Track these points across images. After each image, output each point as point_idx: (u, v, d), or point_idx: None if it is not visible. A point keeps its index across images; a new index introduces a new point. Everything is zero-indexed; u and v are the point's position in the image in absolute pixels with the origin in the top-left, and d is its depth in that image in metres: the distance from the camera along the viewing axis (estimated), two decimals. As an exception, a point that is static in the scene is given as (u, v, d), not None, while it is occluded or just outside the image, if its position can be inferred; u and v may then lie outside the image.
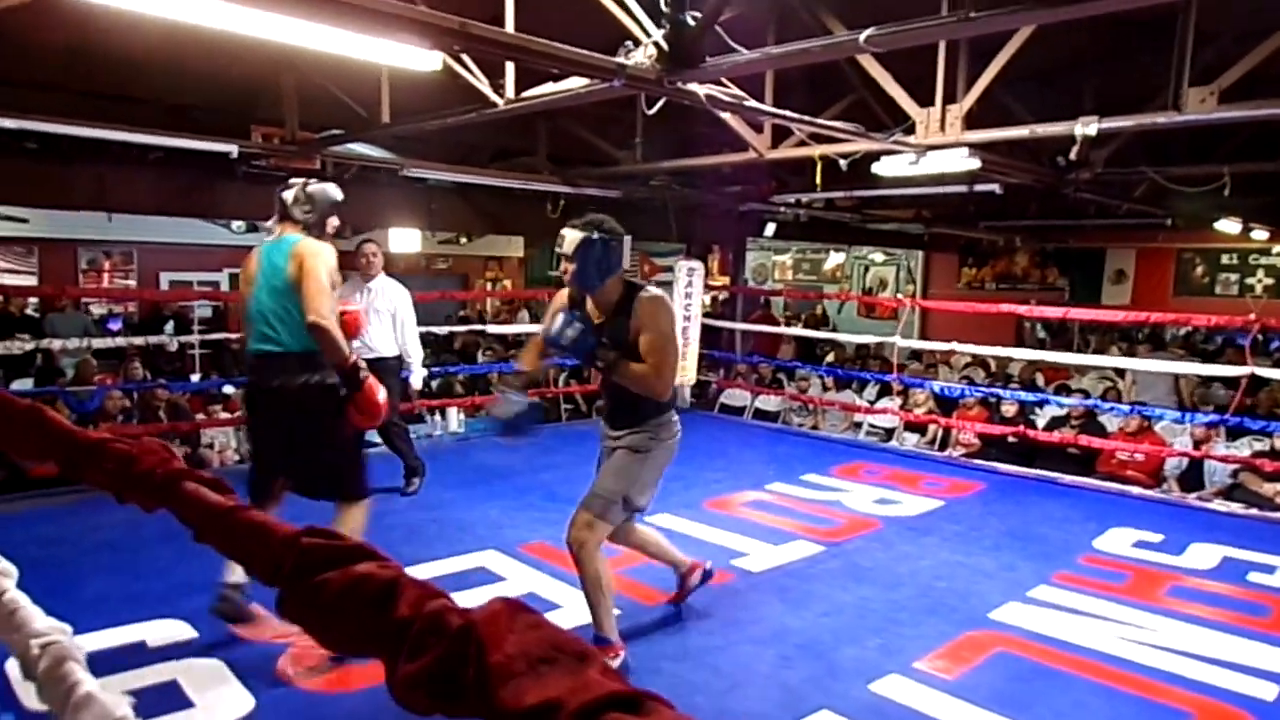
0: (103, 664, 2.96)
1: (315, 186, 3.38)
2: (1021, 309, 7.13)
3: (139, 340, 7.21)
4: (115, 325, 10.63)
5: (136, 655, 3.15)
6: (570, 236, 3.07)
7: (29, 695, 1.26)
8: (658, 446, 3.31)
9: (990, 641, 3.52)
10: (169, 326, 9.51)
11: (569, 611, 3.71)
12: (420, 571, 4.03)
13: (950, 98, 5.11)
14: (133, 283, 11.59)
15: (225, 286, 11.97)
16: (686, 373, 8.35)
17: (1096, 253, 12.81)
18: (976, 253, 14.12)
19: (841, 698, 3.02)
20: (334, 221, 3.44)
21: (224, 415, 7.02)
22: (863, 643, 3.49)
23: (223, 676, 3.02)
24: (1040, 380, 9.35)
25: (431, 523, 4.92)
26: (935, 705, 2.99)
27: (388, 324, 5.42)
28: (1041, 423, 7.37)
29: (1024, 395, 7.13)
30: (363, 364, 3.23)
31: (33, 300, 9.98)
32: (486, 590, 3.91)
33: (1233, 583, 4.25)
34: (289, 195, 3.33)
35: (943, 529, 5.05)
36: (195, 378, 8.44)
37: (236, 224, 11.03)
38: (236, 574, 3.15)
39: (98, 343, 7.39)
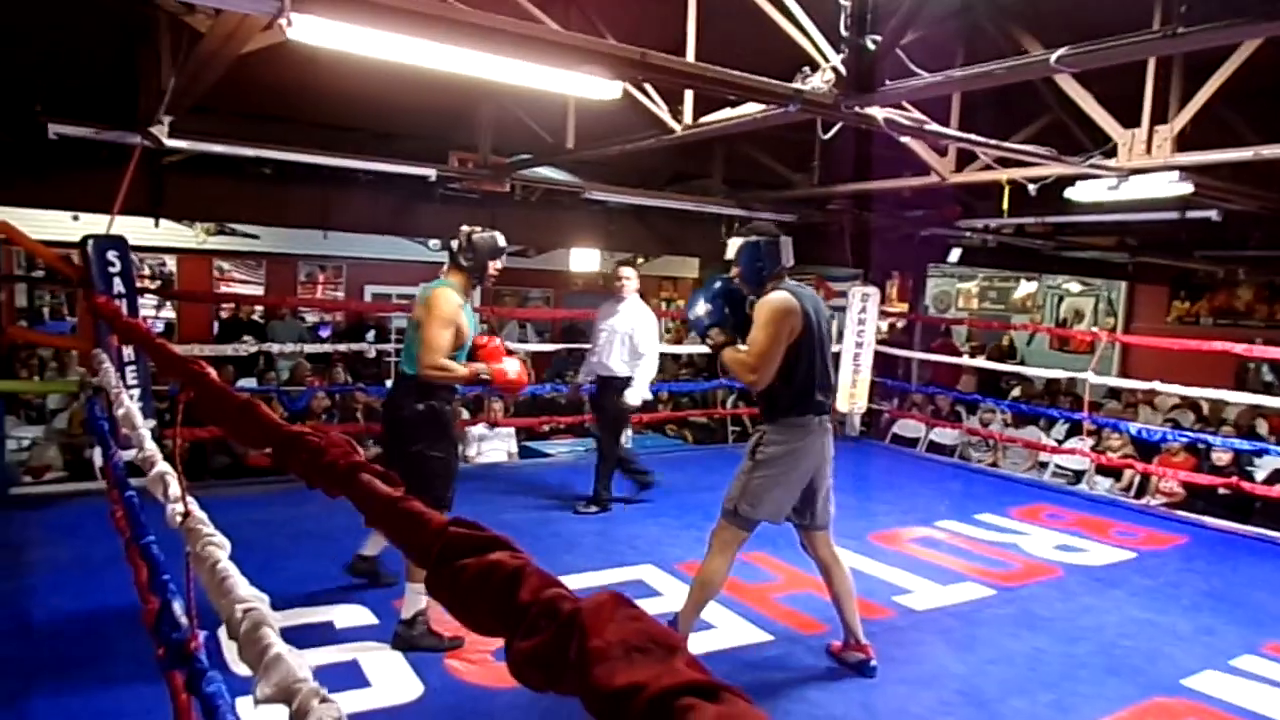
0: (295, 638, 3.25)
1: (480, 235, 3.69)
2: (1238, 347, 6.42)
3: (343, 347, 7.90)
4: (325, 332, 11.73)
5: (325, 633, 3.47)
6: (733, 243, 3.37)
7: (233, 656, 1.44)
8: (773, 452, 3.26)
9: (1182, 710, 3.21)
10: (370, 335, 10.36)
11: (721, 632, 3.73)
12: (577, 581, 4.18)
13: (1160, 117, 4.74)
14: (341, 294, 12.73)
15: (421, 300, 12.91)
16: (857, 400, 8.15)
17: (1338, 288, 11.36)
18: (1190, 285, 12.86)
19: (1004, 752, 2.85)
20: (496, 265, 3.74)
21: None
22: (1033, 696, 3.27)
23: (398, 662, 3.26)
24: (1264, 428, 8.40)
25: (594, 535, 5.08)
26: (1112, 773, 2.76)
27: (625, 345, 5.59)
28: (1261, 475, 6.62)
29: (1239, 443, 6.43)
30: (482, 369, 3.70)
31: (259, 307, 11.17)
32: (641, 605, 3.98)
33: None
34: (454, 243, 3.71)
35: (1133, 582, 4.64)
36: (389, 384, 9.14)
37: (433, 242, 11.87)
38: (373, 548, 3.95)
39: (310, 348, 8.17)
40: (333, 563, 4.09)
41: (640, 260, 13.97)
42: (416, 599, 3.34)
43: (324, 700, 0.98)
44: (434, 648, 3.36)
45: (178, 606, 1.81)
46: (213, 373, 1.44)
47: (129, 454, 2.62)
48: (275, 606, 3.59)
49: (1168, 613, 4.22)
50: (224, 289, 11.69)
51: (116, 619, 3.40)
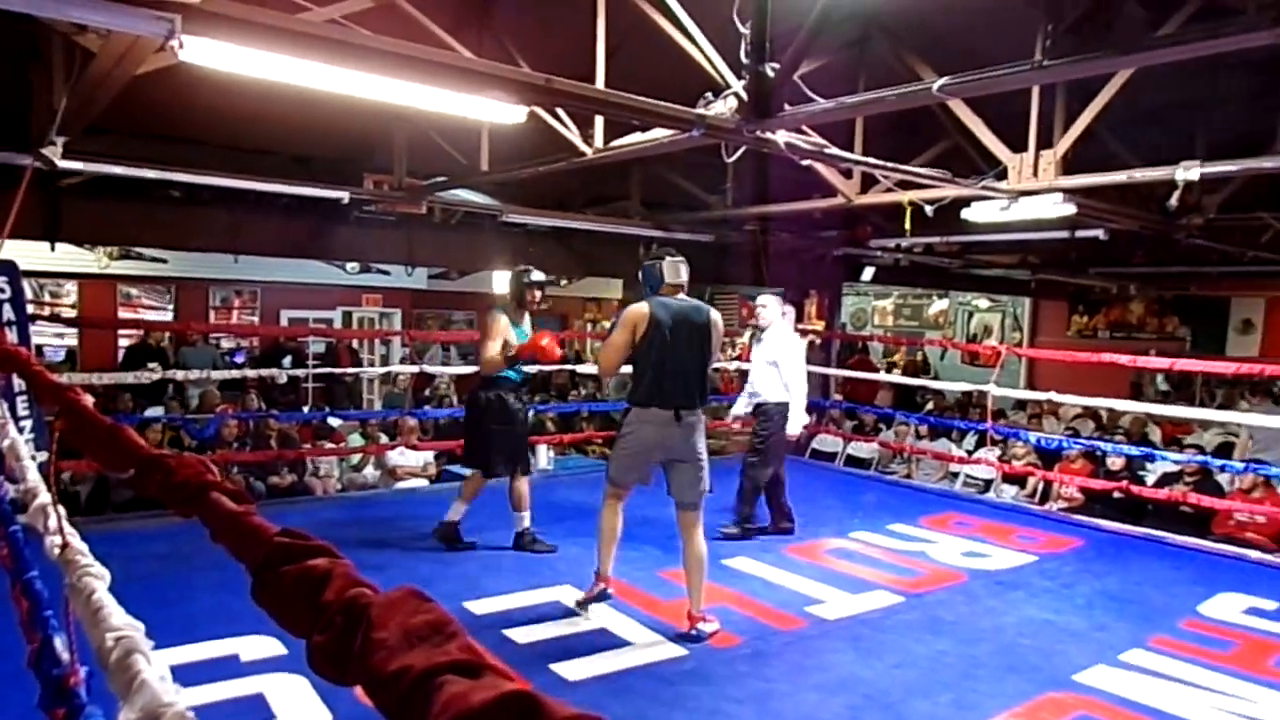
0: (196, 673, 3.20)
1: (517, 271, 5.18)
2: (1124, 359, 6.80)
3: (252, 373, 7.70)
4: (240, 359, 11.41)
5: (229, 667, 3.37)
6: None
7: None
8: (623, 433, 4.07)
9: (1072, 704, 3.37)
10: (286, 360, 10.12)
11: (637, 650, 3.76)
12: (494, 604, 4.18)
13: (1045, 142, 5.02)
14: (256, 319, 12.41)
15: (338, 324, 12.66)
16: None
17: (1220, 301, 12.09)
18: (1088, 300, 13.54)
19: (906, 752, 2.95)
20: (533, 294, 5.11)
21: (330, 446, 7.40)
22: (934, 697, 3.39)
23: (305, 692, 3.19)
24: (1156, 436, 8.86)
25: (513, 557, 5.06)
26: (1005, 767, 2.88)
27: (773, 371, 5.68)
28: (1151, 479, 6.99)
29: (1130, 449, 6.78)
30: (512, 349, 4.85)
31: (168, 334, 10.79)
32: (558, 625, 4.00)
33: (1355, 659, 3.92)
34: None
35: (1032, 585, 4.85)
36: (305, 409, 8.94)
37: (350, 265, 11.70)
38: (453, 514, 5.12)
39: (218, 374, 7.95)
40: (238, 594, 3.96)
41: (563, 282, 14.03)
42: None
43: (191, 724, 0.98)
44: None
45: (59, 641, 1.76)
46: (86, 399, 1.42)
47: (14, 488, 2.53)
48: (177, 641, 3.51)
49: (1063, 612, 4.43)
50: (129, 315, 11.26)
51: (2, 659, 3.25)
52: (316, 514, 6.04)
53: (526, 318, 5.15)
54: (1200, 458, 6.57)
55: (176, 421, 6.79)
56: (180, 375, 6.89)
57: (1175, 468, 6.79)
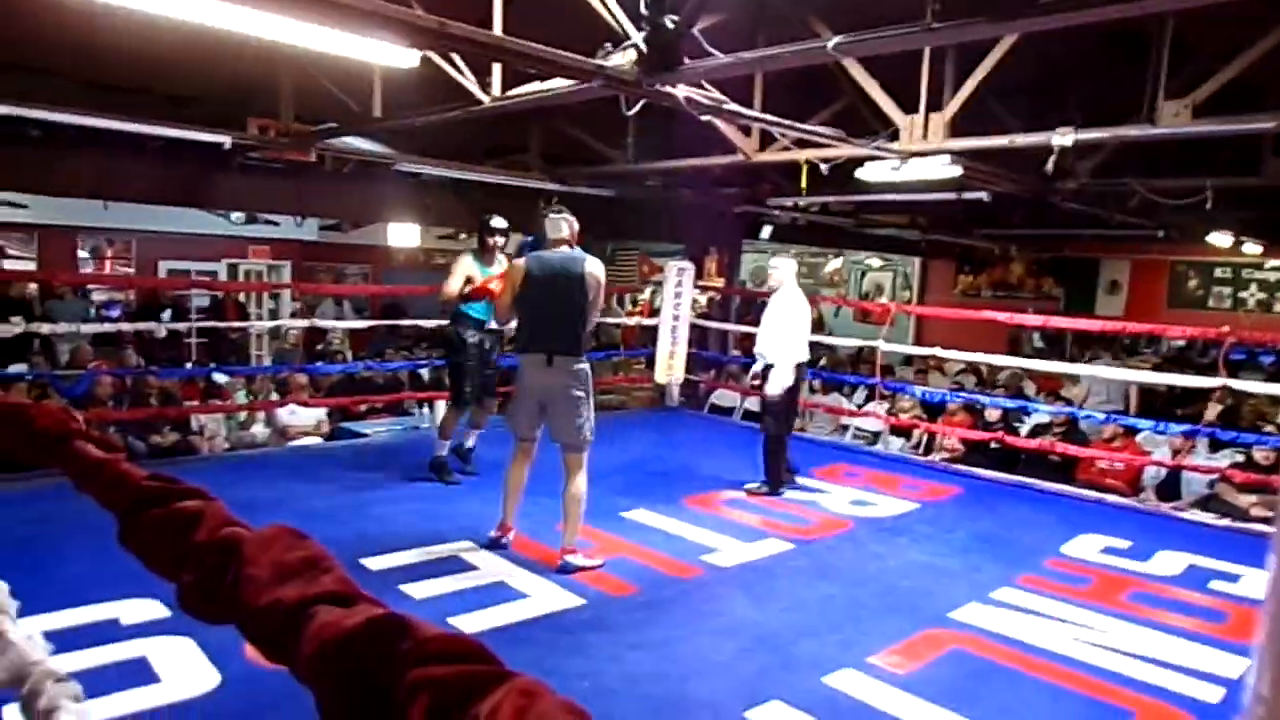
0: (76, 639, 3.06)
1: (482, 218, 5.68)
2: (1001, 316, 7.19)
3: (129, 327, 7.29)
4: (115, 312, 10.75)
5: (109, 631, 3.24)
6: None
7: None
8: (515, 380, 4.45)
9: (946, 639, 3.59)
10: (166, 315, 9.61)
11: (535, 601, 3.80)
12: (390, 560, 4.14)
13: (935, 105, 5.17)
14: (132, 270, 11.69)
15: (224, 276, 12.07)
16: (675, 371, 8.42)
17: (1091, 263, 12.86)
18: (973, 260, 14.18)
19: (794, 689, 3.09)
20: (493, 240, 5.56)
21: (215, 403, 7.09)
22: (821, 637, 3.56)
23: (192, 654, 3.10)
24: (1031, 390, 9.40)
25: (413, 514, 4.99)
26: (885, 699, 3.06)
27: (777, 334, 5.69)
28: (1025, 430, 7.43)
29: (1005, 402, 7.19)
30: (459, 291, 5.38)
31: (33, 286, 10.08)
32: (455, 579, 3.99)
33: (1194, 589, 4.32)
34: None
35: (914, 530, 5.12)
36: (188, 366, 8.54)
37: (235, 215, 11.14)
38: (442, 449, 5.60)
39: (88, 327, 7.48)
40: (119, 557, 3.80)
41: (461, 236, 13.73)
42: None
43: (59, 681, 0.94)
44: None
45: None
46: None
47: None
48: (53, 606, 3.35)
49: (942, 555, 4.70)
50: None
51: None
52: (203, 474, 5.75)
53: (496, 262, 5.49)
54: (1067, 409, 7.02)
55: (44, 378, 6.37)
56: (47, 329, 6.44)
57: (1047, 419, 7.25)
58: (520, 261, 4.27)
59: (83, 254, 11.51)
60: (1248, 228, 9.14)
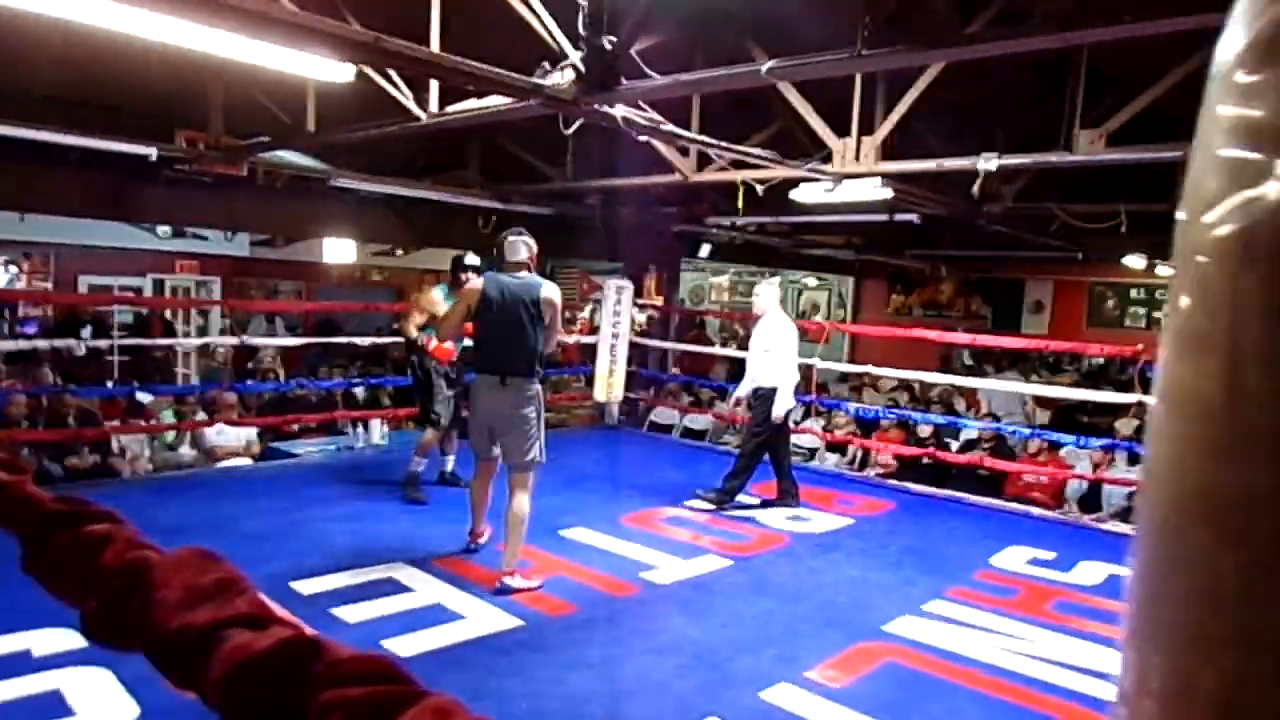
0: (-19, 671, 2.91)
1: (456, 255, 5.69)
2: (931, 334, 7.41)
3: (45, 344, 7.01)
4: (31, 329, 10.31)
5: (19, 663, 3.09)
6: None
7: None
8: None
9: (881, 652, 3.65)
10: (86, 331, 9.25)
11: (472, 622, 3.74)
12: (323, 583, 4.04)
13: (867, 129, 5.31)
14: (50, 285, 11.23)
15: (149, 292, 11.68)
16: (614, 390, 8.42)
17: (1017, 283, 13.29)
18: (905, 280, 14.53)
19: (731, 705, 3.10)
20: (465, 276, 5.36)
21: (138, 423, 6.84)
22: (758, 653, 3.58)
23: (109, 685, 2.98)
24: (962, 406, 9.66)
25: (346, 534, 4.89)
26: (821, 712, 3.09)
27: (765, 360, 5.79)
28: (955, 446, 7.62)
29: (936, 418, 7.37)
30: (416, 338, 5.65)
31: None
32: (389, 601, 3.91)
33: (1114, 598, 4.46)
34: None
35: (849, 545, 5.20)
36: (110, 384, 8.24)
37: (162, 229, 10.81)
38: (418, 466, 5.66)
39: (2, 345, 7.16)
40: (26, 585, 3.64)
41: (398, 253, 13.56)
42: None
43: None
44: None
45: None
46: None
47: None
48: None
49: (875, 569, 4.78)
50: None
51: None
52: (124, 497, 5.58)
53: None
54: (994, 424, 7.23)
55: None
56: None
57: (975, 434, 7.45)
58: (477, 283, 4.30)
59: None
60: (1160, 251, 9.57)
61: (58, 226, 9.35)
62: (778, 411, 5.75)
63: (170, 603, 0.48)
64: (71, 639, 3.27)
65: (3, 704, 2.79)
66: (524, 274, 4.29)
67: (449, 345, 5.36)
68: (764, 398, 5.81)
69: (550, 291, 4.26)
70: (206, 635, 0.45)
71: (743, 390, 6.12)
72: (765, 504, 6.02)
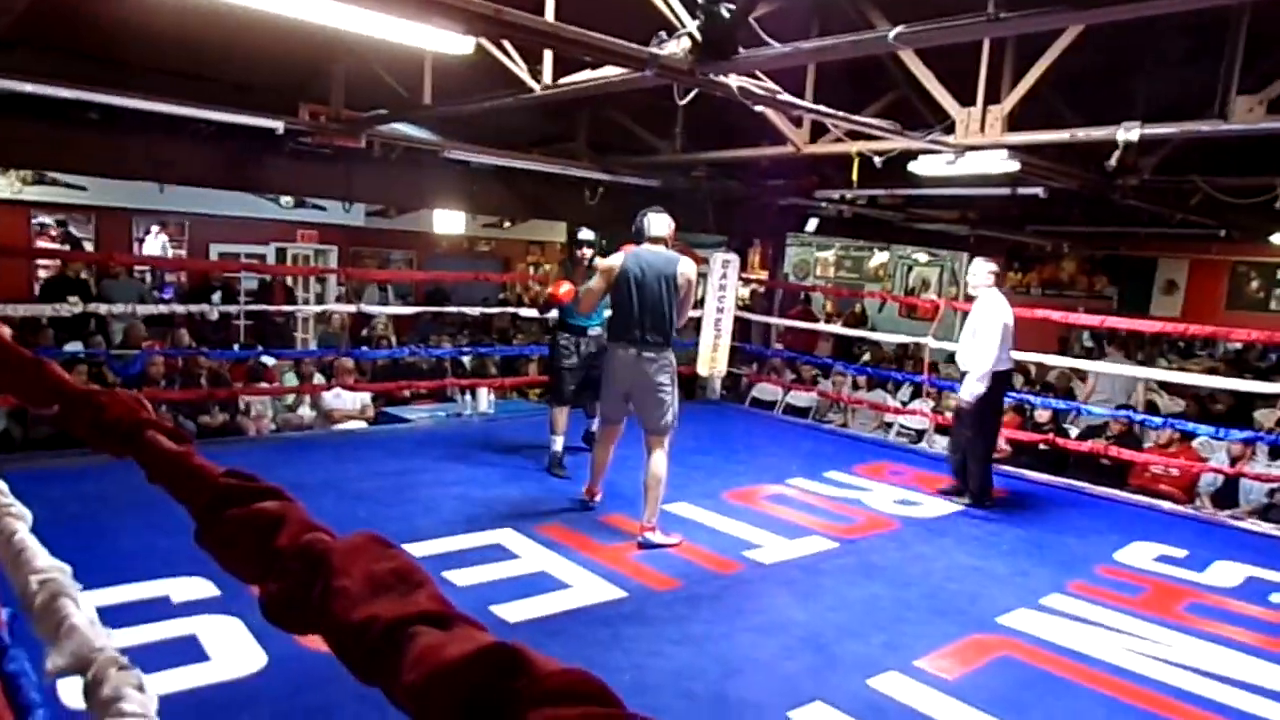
0: (126, 615, 3.12)
1: (572, 231, 5.83)
2: (1056, 315, 7.00)
3: (181, 309, 7.44)
4: (168, 294, 10.97)
5: (160, 609, 3.30)
6: None
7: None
8: (602, 368, 4.79)
9: (995, 645, 3.51)
10: (216, 297, 9.78)
11: (576, 591, 3.79)
12: (434, 546, 4.15)
13: (994, 98, 5.04)
14: (184, 253, 11.92)
15: (272, 259, 12.25)
16: (718, 365, 8.35)
17: (1147, 262, 12.51)
18: (1023, 257, 13.87)
19: (838, 690, 3.04)
20: (580, 251, 5.77)
21: (263, 385, 7.19)
22: (866, 639, 3.50)
23: (239, 633, 3.15)
24: (1082, 391, 9.18)
25: (453, 500, 5.02)
26: (931, 704, 3.00)
27: (971, 345, 5.39)
28: (1074, 432, 7.25)
29: (1056, 403, 7.02)
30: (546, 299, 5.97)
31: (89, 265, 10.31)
32: (497, 567, 4.00)
33: (1254, 602, 4.17)
34: None
35: (960, 532, 5.02)
36: (236, 348, 8.70)
37: (285, 199, 11.29)
38: (556, 445, 5.62)
39: (143, 309, 7.63)
40: (168, 534, 3.86)
41: (506, 224, 13.78)
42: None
43: (123, 668, 0.94)
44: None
45: (-25, 583, 1.68)
46: (4, 331, 1.33)
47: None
48: (104, 583, 3.40)
49: (989, 558, 4.60)
50: (44, 245, 10.70)
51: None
52: (250, 455, 5.90)
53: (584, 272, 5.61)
54: (1123, 413, 6.83)
55: (100, 357, 6.51)
56: (104, 309, 6.58)
57: (1099, 421, 7.06)
58: (616, 259, 4.48)
59: (138, 235, 11.75)
60: (1316, 228, 8.80)
61: (191, 197, 9.90)
62: (963, 395, 5.34)
63: (352, 592, 0.47)
64: (206, 587, 3.49)
65: (145, 646, 2.98)
66: (662, 249, 4.50)
67: (563, 290, 5.41)
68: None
69: (687, 267, 4.45)
70: (394, 631, 0.43)
71: (965, 391, 5.41)
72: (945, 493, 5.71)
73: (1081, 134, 4.87)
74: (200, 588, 3.49)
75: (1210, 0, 2.66)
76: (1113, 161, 4.95)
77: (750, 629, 3.56)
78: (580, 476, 5.20)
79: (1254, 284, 11.79)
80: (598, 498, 4.95)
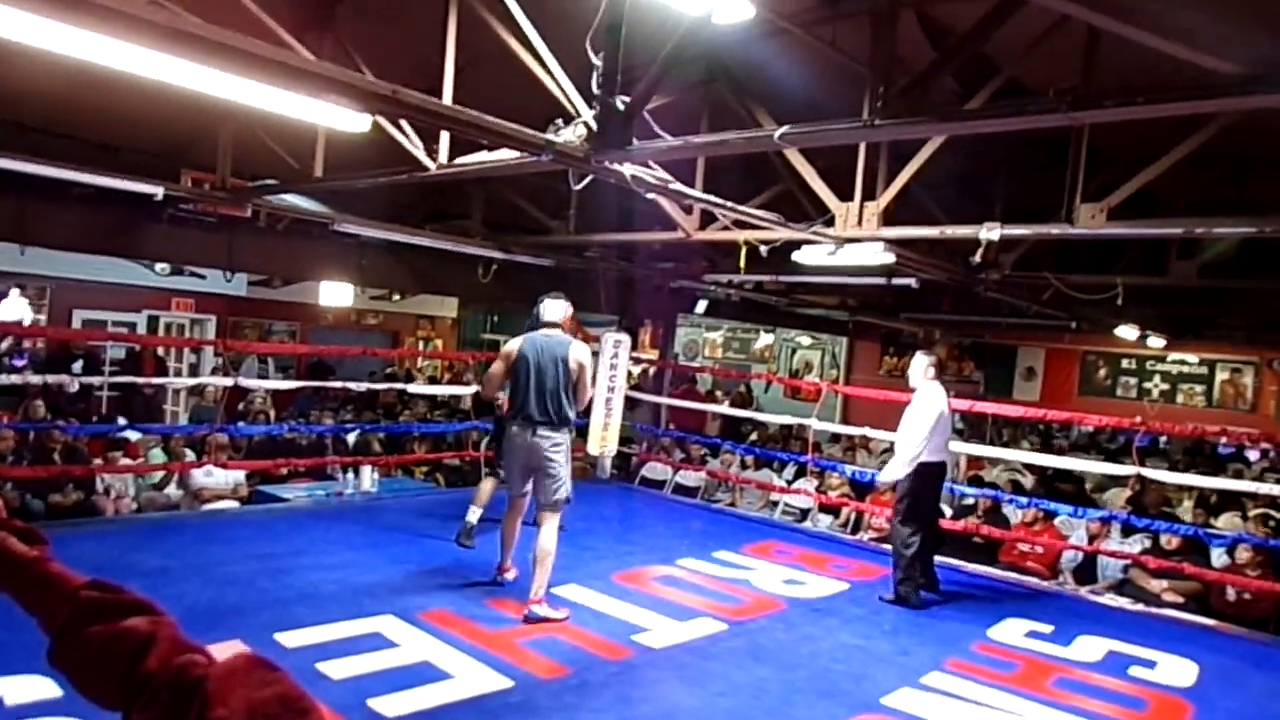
0: (-49, 720, 2.80)
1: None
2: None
3: (36, 379, 6.93)
4: (21, 361, 10.19)
5: (-9, 712, 2.98)
6: None
7: None
8: (504, 444, 4.91)
9: (879, 726, 3.56)
10: (77, 366, 9.17)
11: (460, 682, 3.64)
12: (309, 635, 3.93)
13: (870, 195, 5.37)
14: (44, 319, 11.15)
15: (143, 328, 11.60)
16: (608, 443, 8.35)
17: (1009, 349, 13.38)
18: (897, 342, 14.59)
19: (727, 779, 3.00)
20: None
21: (125, 461, 6.72)
22: (756, 724, 3.49)
23: (83, 738, 2.86)
24: (955, 472, 9.61)
25: (332, 584, 4.78)
26: (818, 789, 3.00)
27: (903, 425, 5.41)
28: (949, 511, 7.56)
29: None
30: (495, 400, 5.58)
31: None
32: (376, 657, 3.81)
33: (1115, 676, 4.39)
34: None
35: (845, 611, 5.12)
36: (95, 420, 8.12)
37: (160, 266, 10.77)
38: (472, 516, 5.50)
39: (-4, 379, 7.07)
40: (7, 627, 3.53)
41: (395, 297, 13.56)
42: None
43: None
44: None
45: None
46: None
47: None
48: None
49: (872, 637, 4.69)
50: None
51: None
52: (107, 538, 5.46)
53: None
54: (991, 492, 7.18)
55: (-65, 431, 5.97)
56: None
57: (970, 501, 7.40)
58: (514, 343, 4.71)
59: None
60: (1152, 323, 9.66)
61: (55, 259, 9.29)
62: (882, 476, 5.48)
63: (230, 725, 0.44)
64: (47, 687, 3.16)
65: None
66: (557, 333, 4.71)
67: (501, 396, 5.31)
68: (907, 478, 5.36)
69: (579, 351, 4.64)
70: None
71: (884, 473, 5.58)
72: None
73: (950, 231, 5.24)
74: (39, 687, 3.16)
75: (1049, 121, 2.94)
76: (977, 257, 5.34)
77: (640, 718, 3.50)
78: (485, 551, 5.15)
79: (1102, 372, 12.76)
80: (509, 574, 4.96)
